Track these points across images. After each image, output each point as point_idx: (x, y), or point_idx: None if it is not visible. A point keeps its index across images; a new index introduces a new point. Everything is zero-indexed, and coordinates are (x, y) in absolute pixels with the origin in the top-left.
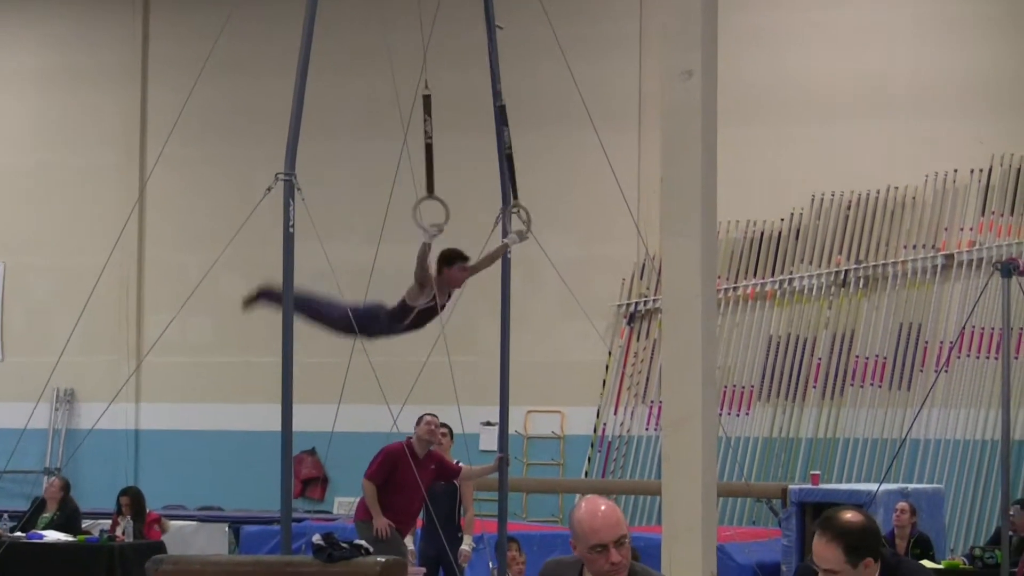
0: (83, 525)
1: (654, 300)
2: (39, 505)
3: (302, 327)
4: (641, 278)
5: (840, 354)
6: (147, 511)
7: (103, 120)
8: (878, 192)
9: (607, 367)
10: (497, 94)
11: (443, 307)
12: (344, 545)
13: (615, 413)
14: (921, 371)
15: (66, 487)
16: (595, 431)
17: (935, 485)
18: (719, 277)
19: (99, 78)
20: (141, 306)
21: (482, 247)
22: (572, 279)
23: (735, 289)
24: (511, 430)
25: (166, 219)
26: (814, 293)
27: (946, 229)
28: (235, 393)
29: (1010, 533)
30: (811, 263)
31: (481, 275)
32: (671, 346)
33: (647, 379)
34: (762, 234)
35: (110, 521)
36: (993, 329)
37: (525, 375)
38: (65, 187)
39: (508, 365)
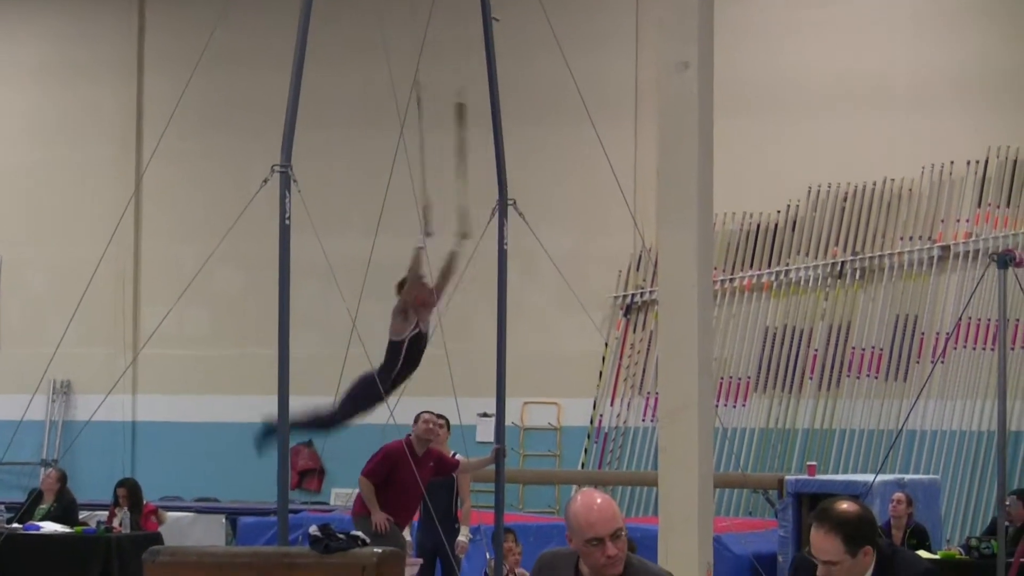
0: (80, 516)
1: (650, 292)
2: (36, 497)
3: (298, 318)
4: (637, 270)
5: (836, 345)
6: (144, 502)
7: (99, 113)
8: (874, 184)
9: (604, 358)
10: (496, 88)
11: (425, 331)
12: (341, 536)
13: (611, 404)
14: (917, 362)
15: (63, 478)
16: (592, 422)
17: (931, 476)
18: (715, 268)
19: (95, 71)
20: (137, 298)
21: (478, 240)
22: (568, 271)
23: (731, 280)
24: (508, 421)
25: (162, 211)
26: (810, 285)
27: (942, 221)
28: (232, 385)
29: (1006, 523)
30: (807, 255)
31: (478, 267)
32: (667, 337)
33: (643, 370)
34: (758, 226)
35: (107, 512)
36: (989, 320)
37: (522, 366)
38: (62, 180)
39: (505, 356)
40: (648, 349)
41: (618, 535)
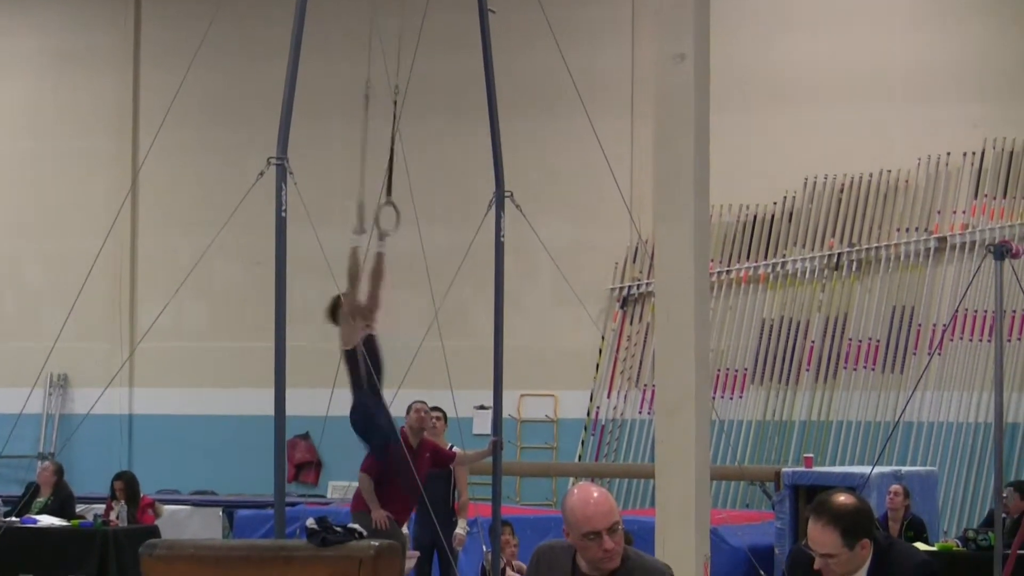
0: (77, 510)
1: (647, 284)
2: (33, 490)
3: (295, 311)
4: (634, 262)
5: (833, 337)
6: (141, 496)
7: (96, 106)
8: (871, 175)
9: (600, 351)
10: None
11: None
12: (338, 529)
13: (608, 397)
14: (914, 354)
15: (59, 472)
16: (588, 415)
17: (928, 468)
18: (712, 261)
19: (91, 63)
20: (134, 291)
21: (475, 230)
22: (565, 263)
23: (728, 272)
24: (504, 414)
25: (159, 204)
26: (807, 276)
27: (939, 212)
28: (228, 378)
29: (1003, 515)
30: (804, 246)
31: (474, 260)
32: (664, 330)
33: (640, 363)
34: (755, 217)
35: (104, 506)
36: (986, 312)
37: (518, 359)
38: (57, 172)
39: (501, 349)
40: (645, 341)
41: (615, 529)
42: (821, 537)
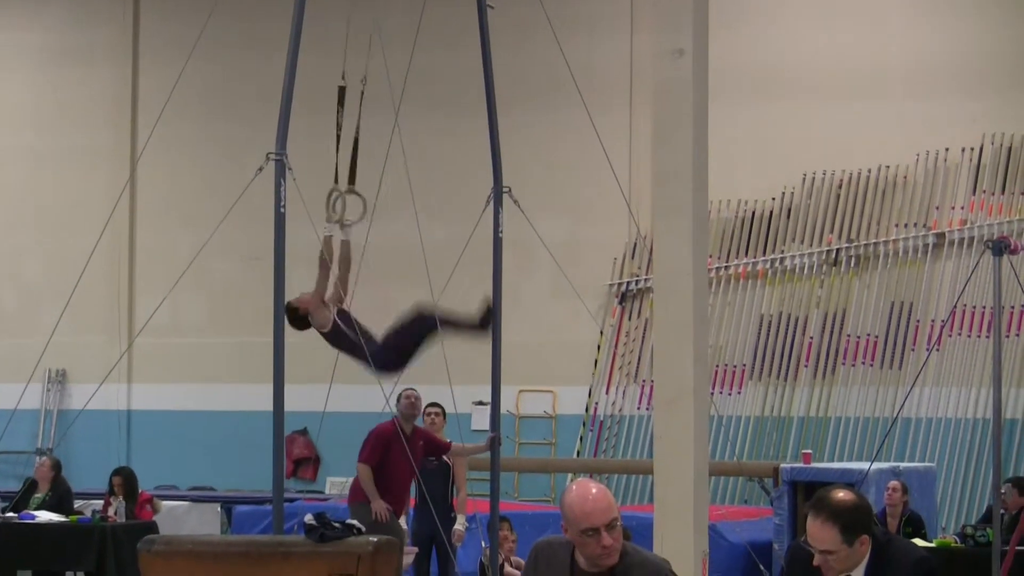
0: (75, 505)
1: (646, 279)
2: (31, 486)
3: None
4: (632, 257)
5: (832, 333)
6: (139, 491)
7: (94, 100)
8: (869, 171)
9: (599, 346)
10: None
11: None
12: (336, 525)
13: (607, 392)
14: (912, 350)
15: (57, 467)
16: (587, 410)
17: (927, 464)
18: (710, 256)
19: (90, 58)
20: (132, 286)
21: (474, 225)
22: (563, 258)
23: (726, 268)
24: (503, 409)
25: (157, 198)
26: (805, 272)
27: (937, 208)
28: (227, 373)
29: (1001, 511)
30: (802, 242)
31: (473, 255)
32: (663, 325)
33: (639, 358)
34: (753, 213)
35: (102, 501)
36: (984, 308)
37: (517, 354)
38: (56, 167)
39: (500, 344)
40: (643, 337)
41: (613, 525)
42: (820, 533)
